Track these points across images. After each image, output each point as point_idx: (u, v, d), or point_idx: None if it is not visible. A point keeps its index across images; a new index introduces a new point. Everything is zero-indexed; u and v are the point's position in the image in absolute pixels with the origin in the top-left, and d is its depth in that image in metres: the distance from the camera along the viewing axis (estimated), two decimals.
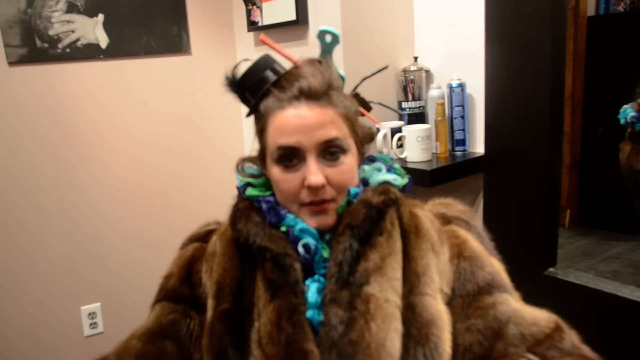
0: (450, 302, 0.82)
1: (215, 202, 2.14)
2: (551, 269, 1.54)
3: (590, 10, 2.81)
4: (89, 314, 2.07)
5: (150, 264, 2.11)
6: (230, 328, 0.81)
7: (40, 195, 1.93)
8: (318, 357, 0.74)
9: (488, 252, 0.88)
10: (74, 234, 2.01)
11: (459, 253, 0.85)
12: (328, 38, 0.91)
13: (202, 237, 0.95)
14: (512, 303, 0.81)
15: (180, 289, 0.90)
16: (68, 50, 1.88)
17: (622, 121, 1.74)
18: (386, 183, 0.86)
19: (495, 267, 0.86)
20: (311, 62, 0.85)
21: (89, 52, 1.92)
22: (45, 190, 1.94)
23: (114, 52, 1.96)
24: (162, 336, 0.86)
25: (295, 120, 0.79)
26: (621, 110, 1.75)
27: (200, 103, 2.20)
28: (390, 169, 0.90)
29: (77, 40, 1.90)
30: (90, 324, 2.07)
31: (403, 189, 0.89)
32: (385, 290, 0.78)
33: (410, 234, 0.85)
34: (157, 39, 2.04)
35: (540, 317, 0.80)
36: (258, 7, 1.96)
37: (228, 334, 0.80)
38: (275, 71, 0.82)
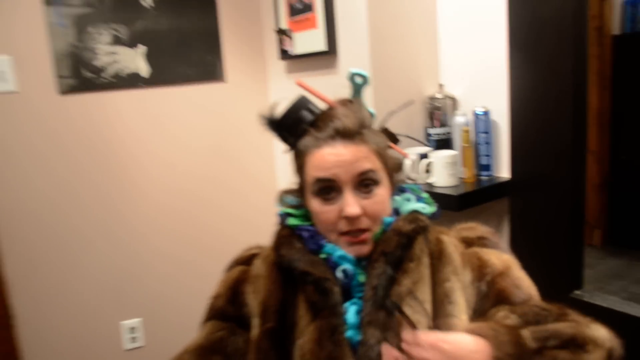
0: (473, 321, 0.88)
1: (248, 225, 2.26)
2: (577, 292, 1.59)
3: (616, 29, 2.85)
4: (130, 328, 2.16)
5: (186, 283, 2.22)
6: (275, 345, 0.89)
7: (84, 212, 2.05)
8: None
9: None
10: (116, 254, 2.12)
11: (480, 276, 0.92)
12: (358, 79, 0.99)
13: (246, 260, 1.04)
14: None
15: (227, 309, 0.98)
16: (113, 79, 2.01)
17: None
18: (415, 212, 0.93)
19: (514, 280, 0.93)
20: (344, 102, 0.93)
21: (130, 81, 2.04)
22: (89, 208, 2.05)
23: (153, 80, 2.08)
24: (211, 351, 0.94)
25: (332, 157, 0.87)
26: None
27: (233, 129, 2.30)
28: (419, 199, 0.98)
29: (121, 70, 2.02)
30: (131, 338, 2.17)
31: (432, 216, 0.96)
32: (417, 313, 0.85)
33: (436, 260, 0.92)
34: (193, 67, 2.16)
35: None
36: (289, 37, 2.06)
37: (273, 351, 0.88)
38: (311, 111, 0.91)
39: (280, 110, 0.93)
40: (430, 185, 1.67)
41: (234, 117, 2.29)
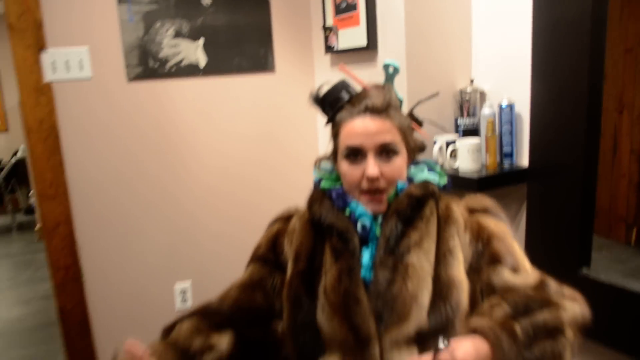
0: (469, 274, 1.06)
1: (283, 199, 2.47)
2: (585, 270, 1.72)
3: None
4: (181, 290, 2.42)
5: (228, 254, 2.45)
6: (304, 282, 1.09)
7: (146, 186, 2.30)
8: (366, 304, 1.00)
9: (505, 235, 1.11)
10: (171, 224, 2.37)
11: (478, 237, 1.09)
12: (390, 70, 1.19)
13: (285, 218, 1.25)
14: (505, 274, 1.05)
15: (267, 255, 1.19)
16: (174, 69, 2.25)
17: None
18: (426, 181, 1.12)
19: (507, 246, 1.09)
20: (377, 86, 1.13)
21: (190, 71, 2.28)
22: (151, 182, 2.31)
23: (210, 70, 2.32)
24: (252, 288, 1.16)
25: (360, 128, 1.06)
26: None
27: (280, 116, 2.52)
28: (431, 171, 1.16)
29: (182, 60, 2.26)
30: (182, 300, 2.42)
31: (444, 187, 1.14)
32: (421, 260, 1.04)
33: (443, 222, 1.10)
34: (246, 59, 2.38)
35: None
36: (334, 33, 2.25)
37: (302, 286, 1.08)
38: (348, 92, 1.10)
39: (324, 89, 1.13)
40: (455, 170, 1.84)
41: (281, 105, 2.51)
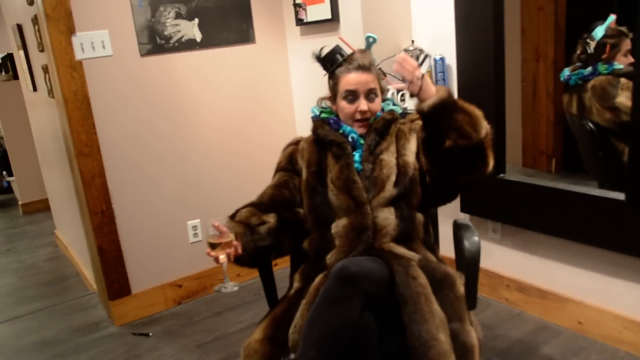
0: (417, 159, 1.69)
1: (271, 149, 3.06)
2: (501, 175, 2.42)
3: None
4: (192, 227, 2.99)
5: (226, 194, 3.02)
6: (317, 178, 1.70)
7: (159, 142, 2.84)
8: (360, 183, 1.63)
9: None
10: (182, 172, 2.93)
11: (413, 127, 1.72)
12: (370, 40, 1.78)
13: (295, 143, 1.85)
14: None
15: (287, 166, 1.80)
16: (176, 44, 2.78)
17: (562, 78, 2.53)
18: (392, 110, 1.74)
19: None
20: (361, 51, 1.73)
21: (189, 45, 2.81)
22: (163, 139, 2.85)
23: (205, 44, 2.86)
24: (280, 187, 1.76)
25: (355, 78, 1.66)
26: (561, 72, 2.53)
27: (261, 78, 3.10)
28: (394, 104, 1.78)
29: (182, 37, 2.79)
30: (193, 234, 3.00)
31: (400, 114, 1.77)
32: (389, 157, 1.67)
33: (400, 133, 1.73)
34: (233, 33, 2.93)
35: None
36: (304, 9, 2.83)
37: (316, 180, 1.70)
38: (341, 54, 1.69)
39: (324, 51, 1.72)
40: (405, 108, 2.48)
41: (262, 70, 3.09)
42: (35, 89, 3.56)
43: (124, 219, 2.79)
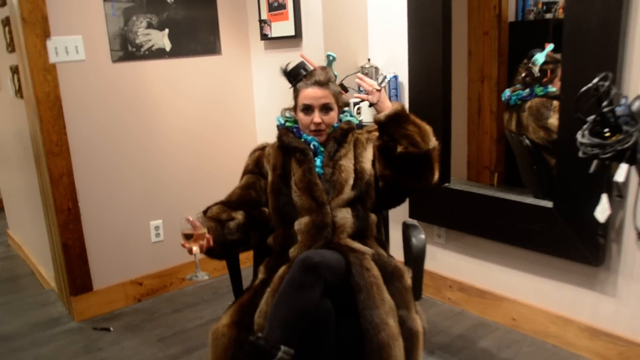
0: (373, 165, 1.90)
1: (232, 152, 3.25)
2: (447, 184, 2.66)
3: (512, 17, 3.73)
4: (155, 227, 3.11)
5: (188, 196, 3.16)
6: (281, 180, 1.89)
7: (127, 144, 2.96)
8: (321, 186, 1.82)
9: None
10: (147, 173, 3.05)
11: (369, 139, 1.93)
12: (330, 58, 1.99)
13: (261, 148, 2.02)
14: None
15: (254, 169, 1.97)
16: (147, 52, 2.91)
17: (503, 98, 2.79)
18: (349, 121, 1.95)
19: None
20: (322, 68, 1.93)
21: (159, 54, 2.95)
22: (131, 141, 2.97)
23: (174, 53, 3.00)
24: (248, 188, 1.94)
25: (311, 93, 1.86)
26: (503, 92, 2.79)
27: (225, 87, 3.26)
28: (351, 116, 1.99)
29: (152, 46, 2.92)
30: (156, 234, 3.11)
31: (357, 125, 1.98)
32: (347, 163, 1.88)
33: (357, 143, 1.94)
34: (200, 44, 3.09)
35: None
36: (269, 25, 3.02)
37: (281, 183, 1.88)
38: (305, 69, 1.89)
39: (290, 66, 1.91)
40: (360, 120, 2.69)
41: (226, 80, 3.26)
42: None
43: (89, 217, 2.88)
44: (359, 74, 1.77)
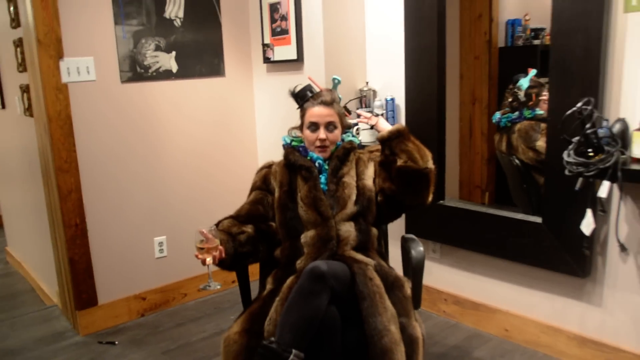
0: (374, 182, 2.02)
1: (235, 172, 3.36)
2: (441, 201, 2.79)
3: (501, 42, 3.88)
4: (159, 243, 3.20)
5: (193, 214, 3.25)
6: (288, 196, 2.00)
7: (133, 162, 3.06)
8: (326, 201, 1.94)
9: None
10: (152, 191, 3.15)
11: (372, 157, 2.07)
12: (336, 81, 2.12)
13: (268, 166, 2.14)
14: None
15: (261, 186, 2.09)
16: (154, 74, 3.04)
17: (494, 120, 2.94)
18: (351, 141, 2.08)
19: None
20: (328, 90, 2.06)
21: (166, 75, 3.08)
22: (137, 159, 3.07)
23: (180, 75, 3.13)
24: (256, 204, 2.05)
25: (317, 112, 1.99)
26: (493, 115, 2.94)
27: (228, 108, 3.39)
28: (353, 136, 2.12)
29: (160, 67, 3.05)
30: (159, 250, 3.21)
31: (358, 145, 2.11)
32: (350, 180, 2.00)
33: (359, 162, 2.07)
34: (205, 66, 3.22)
35: None
36: (271, 49, 3.16)
37: (287, 197, 1.99)
38: (311, 91, 2.02)
39: (297, 88, 2.04)
40: (360, 141, 2.82)
41: (230, 101, 3.39)
42: (3, 106, 3.70)
43: (96, 232, 2.97)
44: (358, 110, 1.94)
